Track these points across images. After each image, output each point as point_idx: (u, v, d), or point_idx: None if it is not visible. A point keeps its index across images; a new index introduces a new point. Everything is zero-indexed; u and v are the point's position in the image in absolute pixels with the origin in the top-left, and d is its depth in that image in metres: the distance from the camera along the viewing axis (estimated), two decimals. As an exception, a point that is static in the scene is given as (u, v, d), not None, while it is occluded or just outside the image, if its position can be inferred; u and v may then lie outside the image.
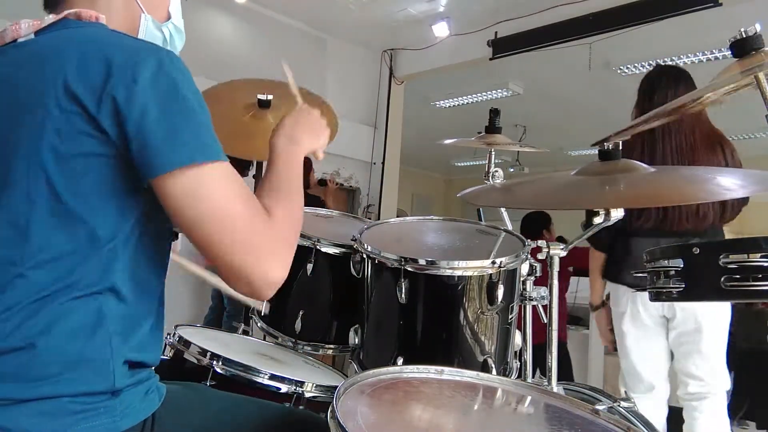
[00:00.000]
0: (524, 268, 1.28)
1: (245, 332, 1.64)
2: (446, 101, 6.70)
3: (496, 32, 4.70)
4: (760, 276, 0.99)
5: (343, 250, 1.41)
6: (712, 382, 2.03)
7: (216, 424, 0.91)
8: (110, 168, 0.77)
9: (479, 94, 6.34)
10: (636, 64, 5.23)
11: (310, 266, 1.41)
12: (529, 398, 1.00)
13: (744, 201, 2.07)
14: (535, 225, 3.51)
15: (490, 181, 1.68)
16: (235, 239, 0.78)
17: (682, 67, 2.26)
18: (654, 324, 2.12)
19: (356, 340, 1.32)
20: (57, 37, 0.81)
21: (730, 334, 2.08)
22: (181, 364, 1.21)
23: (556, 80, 5.68)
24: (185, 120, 0.77)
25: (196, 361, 1.19)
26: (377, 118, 5.70)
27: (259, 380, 1.16)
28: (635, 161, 1.22)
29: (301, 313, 1.44)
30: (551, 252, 1.28)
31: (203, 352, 1.19)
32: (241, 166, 3.84)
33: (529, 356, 1.33)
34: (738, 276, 1.01)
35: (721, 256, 1.03)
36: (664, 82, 2.14)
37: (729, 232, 2.24)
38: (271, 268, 0.80)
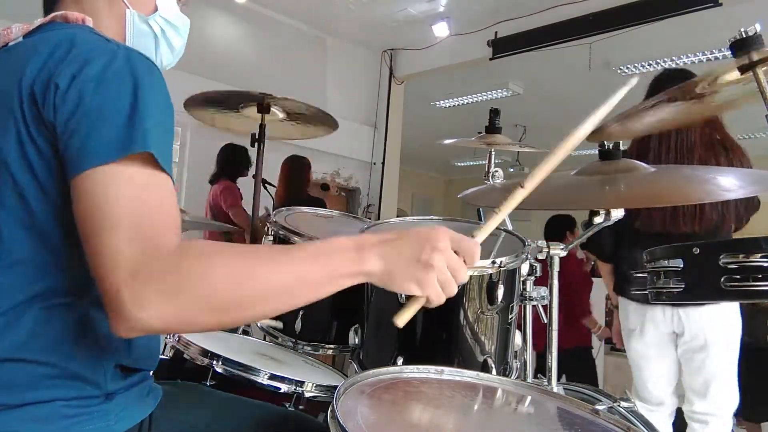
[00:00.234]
0: (524, 268, 1.28)
1: (245, 332, 1.64)
2: (446, 101, 6.70)
3: (496, 32, 4.70)
4: (760, 276, 0.99)
5: (343, 250, 1.41)
6: (719, 402, 2.00)
7: (212, 426, 0.91)
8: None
9: (479, 94, 6.35)
10: (636, 64, 5.23)
11: (310, 266, 1.40)
12: (529, 398, 1.00)
13: (755, 207, 2.05)
14: (559, 227, 3.49)
15: (490, 181, 1.68)
16: (110, 246, 0.65)
17: (690, 70, 2.25)
18: (663, 340, 2.10)
19: (356, 340, 1.32)
20: (37, 40, 0.80)
21: None
22: (181, 364, 1.21)
23: (556, 80, 5.69)
24: (117, 117, 0.70)
25: (195, 361, 1.19)
26: (377, 118, 5.70)
27: (259, 380, 1.16)
28: (635, 161, 1.22)
29: (301, 313, 1.44)
30: (551, 252, 1.28)
31: (203, 352, 1.19)
32: (239, 165, 3.85)
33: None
34: (738, 276, 1.01)
35: (721, 256, 1.03)
36: (670, 84, 2.14)
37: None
38: (141, 304, 0.63)
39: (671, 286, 1.10)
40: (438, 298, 0.79)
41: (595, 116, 0.90)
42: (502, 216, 0.89)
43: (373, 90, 5.66)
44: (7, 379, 0.72)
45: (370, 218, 4.46)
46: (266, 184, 3.57)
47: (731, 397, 2.02)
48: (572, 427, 0.92)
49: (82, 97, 0.70)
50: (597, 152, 1.26)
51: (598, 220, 1.19)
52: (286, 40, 5.05)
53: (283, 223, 1.48)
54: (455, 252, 0.78)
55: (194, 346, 1.20)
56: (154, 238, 0.66)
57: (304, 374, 1.27)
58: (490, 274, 1.18)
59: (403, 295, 1.17)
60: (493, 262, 1.18)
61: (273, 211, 2.11)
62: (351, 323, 1.34)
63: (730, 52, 1.13)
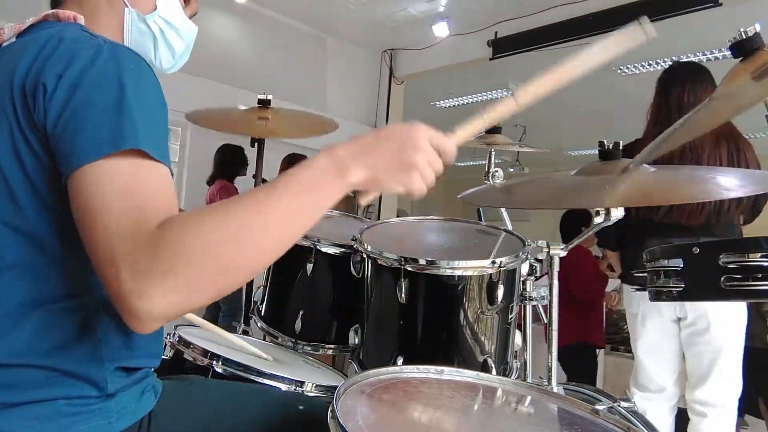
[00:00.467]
0: (524, 268, 1.28)
1: (245, 332, 1.64)
2: (446, 101, 6.70)
3: (496, 32, 4.70)
4: (760, 276, 0.99)
5: (343, 250, 1.41)
6: (720, 389, 2.00)
7: (215, 415, 0.90)
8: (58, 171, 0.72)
9: (479, 94, 6.34)
10: (636, 64, 5.23)
11: (310, 266, 1.41)
12: (529, 398, 1.00)
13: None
14: (574, 225, 3.47)
15: (490, 181, 1.68)
16: (104, 243, 0.65)
17: (700, 63, 2.24)
18: (667, 325, 2.11)
19: (356, 340, 1.32)
20: (28, 40, 0.80)
21: None
22: (181, 364, 1.21)
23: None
24: (104, 114, 0.69)
25: (195, 361, 1.19)
26: (377, 118, 5.70)
27: (259, 380, 1.16)
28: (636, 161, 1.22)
29: (301, 313, 1.44)
30: (551, 252, 1.28)
31: (203, 352, 1.19)
32: (237, 165, 3.85)
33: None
34: (738, 276, 1.01)
35: (721, 256, 1.03)
36: (680, 75, 2.12)
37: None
38: (142, 293, 0.62)
39: (671, 285, 1.11)
40: (421, 193, 0.79)
41: (599, 48, 0.92)
42: (486, 122, 0.89)
43: (373, 90, 5.66)
44: (8, 380, 0.72)
45: (370, 218, 4.46)
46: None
47: (733, 386, 2.01)
48: (572, 427, 0.92)
49: (68, 97, 0.70)
50: (597, 152, 1.26)
51: (597, 220, 1.19)
52: (286, 40, 5.05)
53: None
54: (432, 146, 0.79)
55: (194, 346, 1.20)
56: (139, 226, 0.65)
57: (304, 374, 1.27)
58: (490, 274, 1.18)
59: (403, 295, 1.17)
60: (493, 262, 1.18)
61: None
62: (351, 323, 1.34)
63: (730, 53, 1.12)
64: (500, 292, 1.17)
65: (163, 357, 1.19)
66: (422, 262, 1.17)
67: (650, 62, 5.14)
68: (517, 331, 1.31)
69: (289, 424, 0.93)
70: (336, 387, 0.82)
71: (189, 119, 2.14)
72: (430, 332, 1.21)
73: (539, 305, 1.34)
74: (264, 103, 2.15)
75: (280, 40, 5.00)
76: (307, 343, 1.44)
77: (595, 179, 1.20)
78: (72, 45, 0.75)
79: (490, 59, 4.77)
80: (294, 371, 1.28)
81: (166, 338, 1.25)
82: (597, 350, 3.60)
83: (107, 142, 0.68)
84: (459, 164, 10.14)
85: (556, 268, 1.28)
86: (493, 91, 6.21)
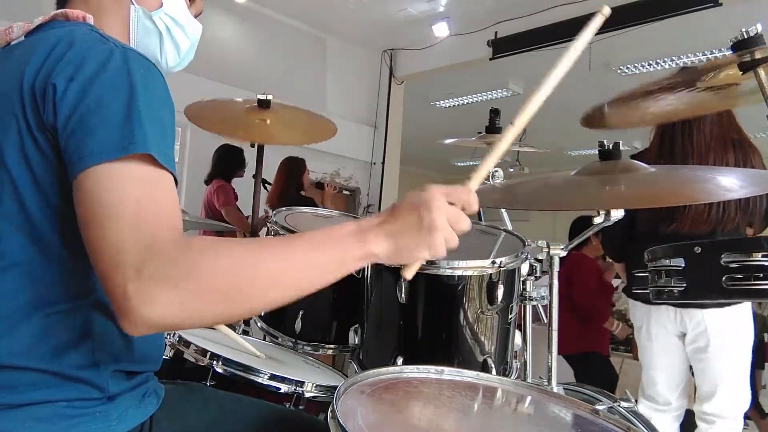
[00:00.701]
0: (524, 268, 1.28)
1: (245, 332, 1.64)
2: (446, 101, 6.70)
3: (496, 32, 4.70)
4: (762, 275, 0.99)
5: (343, 250, 1.41)
6: (726, 404, 1.98)
7: (214, 426, 0.90)
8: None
9: (479, 94, 6.35)
10: (636, 64, 5.23)
11: (310, 266, 1.40)
12: (529, 398, 1.00)
13: None
14: (584, 230, 3.46)
15: (490, 181, 1.68)
16: (116, 245, 0.65)
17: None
18: (671, 339, 2.09)
19: (356, 340, 1.32)
20: (37, 39, 0.80)
21: None
22: (181, 364, 1.21)
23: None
24: (114, 118, 0.70)
25: (196, 361, 1.19)
26: (377, 118, 5.70)
27: (259, 380, 1.16)
28: (635, 161, 1.22)
29: (301, 313, 1.44)
30: (551, 252, 1.28)
31: (203, 352, 1.18)
32: (234, 165, 3.86)
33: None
34: (739, 275, 1.01)
35: (722, 256, 1.03)
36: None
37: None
38: (147, 299, 0.63)
39: (672, 285, 1.10)
40: (444, 253, 0.79)
41: (570, 54, 0.94)
42: (495, 158, 0.90)
43: (373, 90, 5.66)
44: (7, 381, 0.72)
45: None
46: (266, 185, 3.57)
47: (740, 399, 1.99)
48: (572, 427, 0.92)
49: (79, 99, 0.70)
50: (597, 152, 1.26)
51: (597, 220, 1.19)
52: (286, 40, 5.05)
53: (283, 223, 1.48)
54: (451, 204, 0.79)
55: (194, 346, 1.20)
56: (155, 235, 0.66)
57: (304, 374, 1.27)
58: (490, 274, 1.18)
59: (403, 295, 1.17)
60: (493, 262, 1.18)
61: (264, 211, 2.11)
62: (351, 323, 1.34)
63: (730, 53, 1.13)
64: (500, 292, 1.17)
65: (163, 357, 1.19)
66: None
67: (650, 62, 5.14)
68: (517, 331, 1.31)
69: None
70: (336, 387, 0.82)
71: (186, 114, 2.14)
72: (430, 332, 1.21)
73: (539, 305, 1.34)
74: (264, 104, 2.15)
75: (280, 40, 5.01)
76: (307, 343, 1.44)
77: (595, 179, 1.20)
78: (83, 47, 0.75)
79: (490, 59, 4.77)
80: (294, 371, 1.28)
81: (166, 338, 1.25)
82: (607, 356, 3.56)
83: (117, 145, 0.68)
84: (459, 164, 10.15)
85: (556, 268, 1.28)
86: (493, 91, 6.21)
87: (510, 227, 1.49)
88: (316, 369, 1.42)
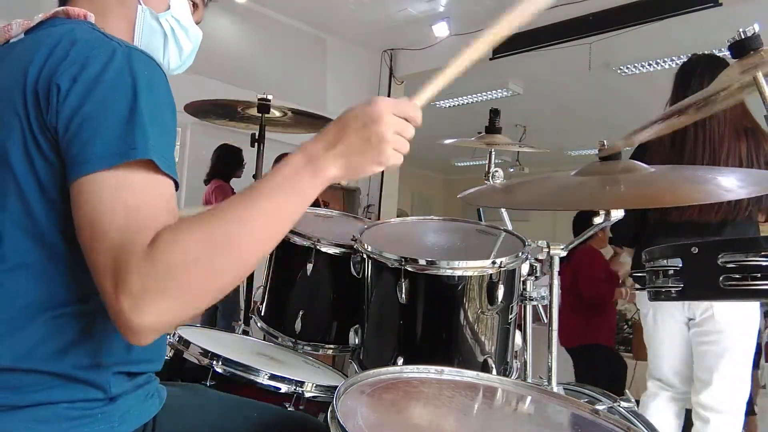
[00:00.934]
0: (524, 268, 1.28)
1: (245, 332, 1.64)
2: (446, 101, 6.70)
3: (496, 32, 4.69)
4: (759, 275, 0.99)
5: (343, 250, 1.41)
6: (726, 392, 1.96)
7: (216, 428, 0.90)
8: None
9: (479, 94, 6.34)
10: (636, 64, 5.22)
11: (310, 266, 1.41)
12: (529, 398, 1.00)
13: None
14: (587, 225, 3.46)
15: (490, 181, 1.68)
16: (102, 254, 0.65)
17: (717, 55, 2.19)
18: (679, 326, 2.09)
19: (356, 340, 1.32)
20: (38, 37, 0.80)
21: None
22: (181, 364, 1.21)
23: (556, 80, 5.68)
24: (115, 121, 0.70)
25: (196, 361, 1.19)
26: (377, 118, 5.69)
27: (259, 380, 1.16)
28: (635, 161, 1.22)
29: (301, 313, 1.44)
30: (551, 252, 1.28)
31: (203, 352, 1.19)
32: (233, 165, 3.85)
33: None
34: (737, 275, 1.01)
35: (719, 256, 1.03)
36: (700, 70, 2.08)
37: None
38: (138, 310, 0.63)
39: (670, 285, 1.10)
40: (397, 161, 0.80)
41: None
42: (447, 77, 0.89)
43: (373, 90, 5.66)
44: (11, 383, 0.72)
45: (370, 218, 4.46)
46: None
47: (738, 390, 1.98)
48: (572, 427, 0.92)
49: (81, 101, 0.70)
50: (597, 152, 1.26)
51: (597, 220, 1.19)
52: (286, 40, 5.05)
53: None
54: (396, 117, 0.79)
55: (194, 346, 1.21)
56: (142, 247, 0.65)
57: (304, 374, 1.27)
58: (490, 274, 1.18)
59: (403, 295, 1.17)
60: (493, 262, 1.18)
61: None
62: (351, 323, 1.34)
63: (729, 53, 1.13)
64: (500, 292, 1.17)
65: (165, 357, 1.20)
66: (422, 262, 1.17)
67: (650, 62, 5.14)
68: (517, 331, 1.31)
69: None
70: (336, 387, 0.82)
71: (188, 111, 2.15)
72: (430, 332, 1.21)
73: (539, 305, 1.34)
74: (264, 103, 2.15)
75: (280, 40, 5.00)
76: (307, 343, 1.44)
77: (595, 179, 1.20)
78: (86, 46, 0.74)
79: (490, 59, 4.76)
80: (294, 371, 1.28)
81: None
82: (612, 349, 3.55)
83: (117, 152, 0.68)
84: (459, 164, 10.15)
85: (556, 268, 1.29)
86: (493, 91, 6.21)
87: (510, 227, 1.49)
88: (316, 369, 1.43)
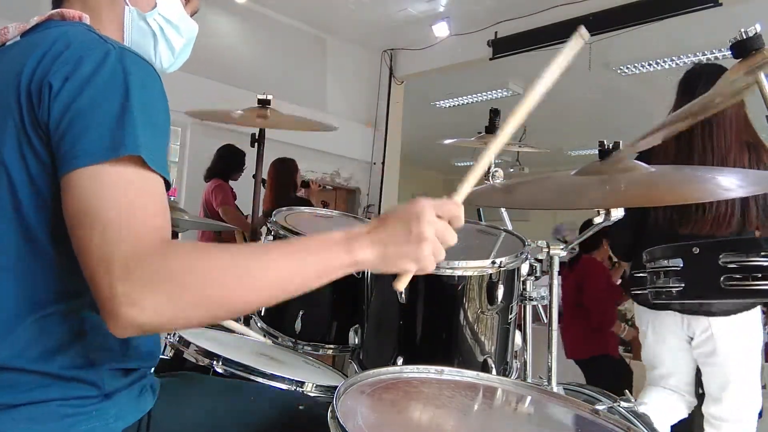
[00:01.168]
0: (524, 268, 1.28)
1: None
2: (446, 101, 6.70)
3: (496, 32, 4.70)
4: (760, 275, 0.99)
5: (343, 250, 1.41)
6: (734, 408, 1.95)
7: (214, 414, 0.90)
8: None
9: (479, 94, 6.35)
10: (636, 64, 5.23)
11: (310, 266, 1.40)
12: (529, 398, 1.00)
13: None
14: (595, 234, 3.46)
15: (490, 181, 1.68)
16: (103, 247, 0.65)
17: (720, 64, 2.21)
18: (678, 343, 2.07)
19: (356, 340, 1.32)
20: (34, 39, 0.80)
21: None
22: (181, 364, 1.21)
23: (556, 80, 5.68)
24: (107, 119, 0.70)
25: (195, 361, 1.19)
26: (377, 118, 5.70)
27: (259, 380, 1.16)
28: (635, 161, 1.22)
29: (301, 313, 1.44)
30: (551, 252, 1.28)
31: (203, 352, 1.18)
32: (233, 165, 3.85)
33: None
34: (738, 275, 1.01)
35: (720, 256, 1.03)
36: (705, 79, 2.04)
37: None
38: (134, 301, 0.63)
39: (671, 285, 1.11)
40: (432, 266, 0.80)
41: (549, 75, 0.95)
42: (482, 168, 0.89)
43: (373, 90, 5.66)
44: (4, 383, 0.72)
45: (369, 218, 4.46)
46: (266, 184, 3.55)
47: (749, 403, 1.97)
48: (572, 427, 0.92)
49: (73, 98, 0.70)
50: (597, 152, 1.26)
51: (598, 220, 1.19)
52: (286, 40, 5.05)
53: (282, 223, 1.48)
54: (439, 217, 0.80)
55: (194, 346, 1.20)
56: (143, 238, 0.66)
57: (304, 374, 1.27)
58: (490, 274, 1.18)
59: (403, 295, 1.17)
60: (493, 262, 1.18)
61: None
62: (351, 323, 1.34)
63: (730, 53, 1.13)
64: (500, 292, 1.17)
65: (163, 357, 1.19)
66: (422, 262, 1.17)
67: (650, 62, 5.14)
68: (517, 331, 1.31)
69: (290, 423, 0.93)
70: (336, 387, 0.82)
71: (190, 115, 2.14)
72: (430, 332, 1.21)
73: (539, 305, 1.34)
74: (264, 103, 2.15)
75: (280, 40, 5.01)
76: (307, 343, 1.44)
77: (595, 179, 1.20)
78: (81, 47, 0.75)
79: (490, 59, 4.77)
80: (294, 371, 1.28)
81: (165, 338, 1.25)
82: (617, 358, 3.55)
83: (108, 147, 0.69)
84: (459, 164, 10.15)
85: (556, 268, 1.29)
86: (493, 91, 6.21)
87: (510, 227, 1.49)
88: (316, 369, 1.42)
